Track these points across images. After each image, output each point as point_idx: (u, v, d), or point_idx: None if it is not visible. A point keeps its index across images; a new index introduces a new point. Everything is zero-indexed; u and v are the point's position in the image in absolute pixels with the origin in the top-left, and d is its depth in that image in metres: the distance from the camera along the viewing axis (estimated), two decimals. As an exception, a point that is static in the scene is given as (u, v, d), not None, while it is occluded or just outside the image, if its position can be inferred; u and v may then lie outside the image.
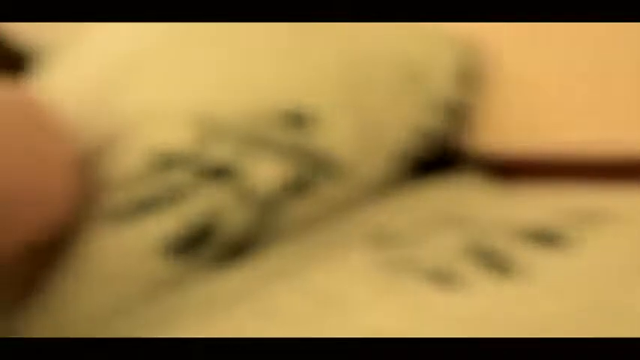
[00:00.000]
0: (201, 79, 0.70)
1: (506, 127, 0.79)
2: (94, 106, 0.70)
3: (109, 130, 0.68)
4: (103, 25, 0.82)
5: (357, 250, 0.61)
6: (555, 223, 0.60)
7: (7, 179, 0.57)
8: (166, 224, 0.62)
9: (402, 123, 0.73)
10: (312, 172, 0.66)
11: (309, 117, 0.67)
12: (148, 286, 0.61)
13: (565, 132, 0.74)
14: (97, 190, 0.65)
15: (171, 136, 0.66)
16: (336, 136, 0.68)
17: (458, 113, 0.77)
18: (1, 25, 0.83)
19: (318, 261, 0.61)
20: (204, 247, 0.62)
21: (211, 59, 0.72)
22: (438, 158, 0.77)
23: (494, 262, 0.57)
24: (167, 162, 0.64)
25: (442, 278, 0.55)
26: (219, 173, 0.64)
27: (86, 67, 0.76)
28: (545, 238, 0.58)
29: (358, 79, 0.72)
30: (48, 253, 0.63)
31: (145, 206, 0.63)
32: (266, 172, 0.64)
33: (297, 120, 0.67)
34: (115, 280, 0.61)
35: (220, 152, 0.65)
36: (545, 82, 0.76)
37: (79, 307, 0.60)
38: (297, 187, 0.65)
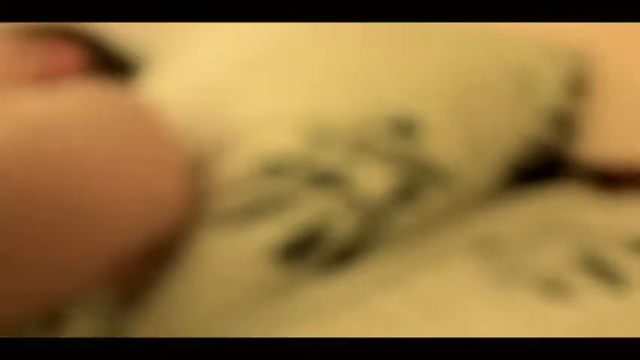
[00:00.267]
0: (309, 84, 0.71)
1: (611, 136, 0.78)
2: (203, 112, 0.72)
3: (218, 135, 0.69)
4: (209, 31, 0.83)
5: (463, 259, 0.61)
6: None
7: (119, 183, 0.59)
8: (275, 230, 0.63)
9: (509, 131, 0.73)
10: (419, 180, 0.66)
11: (417, 124, 0.68)
12: (256, 291, 0.62)
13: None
14: (206, 194, 0.66)
15: (281, 142, 0.66)
16: (443, 144, 0.68)
17: (565, 122, 0.76)
18: (108, 30, 0.85)
19: (425, 269, 0.61)
20: (312, 254, 0.63)
21: (319, 65, 0.72)
22: (543, 166, 0.77)
23: (606, 274, 0.56)
24: (276, 167, 0.65)
25: (553, 289, 0.55)
26: (328, 179, 0.64)
27: (194, 73, 0.77)
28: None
29: (466, 86, 0.72)
30: (158, 255, 0.64)
31: (254, 212, 0.64)
32: (374, 179, 0.65)
33: (405, 127, 0.67)
34: (223, 284, 0.62)
35: (329, 158, 0.65)
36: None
37: (188, 310, 0.62)
38: (404, 195, 0.65)
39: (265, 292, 0.61)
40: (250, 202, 0.64)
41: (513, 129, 0.73)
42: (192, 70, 0.77)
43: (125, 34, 0.89)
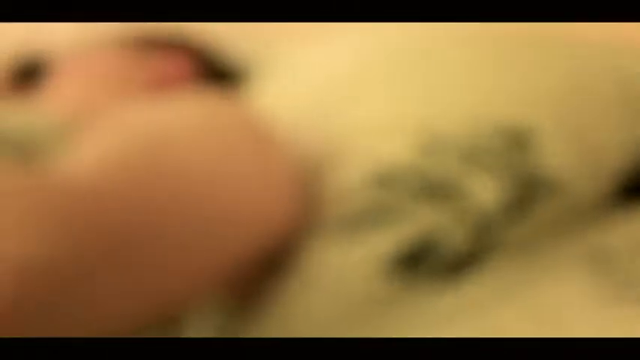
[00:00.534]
0: (419, 93, 0.71)
1: None
2: (312, 121, 0.72)
3: (328, 144, 0.69)
4: (314, 39, 0.84)
5: (577, 272, 0.61)
6: None
7: (233, 193, 0.59)
8: (386, 241, 0.63)
9: (619, 142, 0.72)
10: (530, 191, 0.65)
11: (529, 134, 0.67)
12: (368, 302, 0.62)
13: None
14: (316, 204, 0.66)
15: (392, 152, 0.66)
16: (555, 155, 0.67)
17: None
18: (213, 39, 0.86)
19: (538, 281, 0.60)
20: (423, 266, 0.62)
21: (429, 73, 0.72)
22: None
23: None
24: (387, 178, 0.65)
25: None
26: (439, 190, 0.64)
27: (302, 82, 0.77)
28: None
29: (577, 97, 0.71)
30: (270, 263, 0.65)
31: (365, 223, 0.64)
32: (486, 190, 0.64)
33: (516, 137, 0.67)
34: (335, 295, 0.62)
35: (440, 169, 0.65)
36: None
37: (299, 319, 0.62)
38: (516, 206, 0.65)
39: (377, 305, 0.61)
40: (361, 212, 0.64)
41: (623, 140, 0.72)
42: (300, 78, 0.78)
43: (229, 43, 0.90)
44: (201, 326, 0.61)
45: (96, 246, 0.50)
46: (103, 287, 0.50)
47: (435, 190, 0.64)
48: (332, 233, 0.64)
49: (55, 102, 0.75)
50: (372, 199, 0.64)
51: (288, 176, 0.63)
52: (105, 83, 0.75)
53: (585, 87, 0.72)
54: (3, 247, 0.46)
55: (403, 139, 0.67)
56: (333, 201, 0.65)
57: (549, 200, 0.66)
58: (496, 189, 0.64)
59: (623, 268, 0.60)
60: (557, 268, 0.62)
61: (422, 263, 0.62)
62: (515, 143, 0.66)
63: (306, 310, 0.62)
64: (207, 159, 0.59)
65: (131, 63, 0.77)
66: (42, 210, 0.49)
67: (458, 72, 0.72)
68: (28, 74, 0.81)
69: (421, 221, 0.63)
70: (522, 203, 0.65)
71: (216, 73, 0.81)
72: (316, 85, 0.75)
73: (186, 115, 0.62)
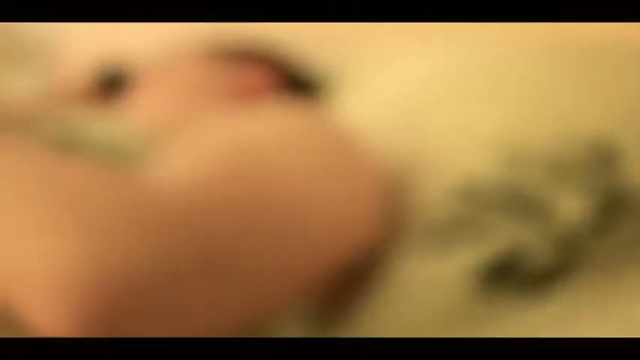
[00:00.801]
0: (503, 105, 0.70)
1: None
2: (397, 132, 0.72)
3: (412, 156, 0.69)
4: (396, 50, 0.84)
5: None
6: None
7: (319, 204, 0.60)
8: (472, 255, 0.63)
9: None
10: (617, 209, 0.65)
11: (616, 150, 0.66)
12: (455, 317, 0.62)
13: None
14: (401, 216, 0.66)
15: (476, 165, 0.66)
16: None
17: None
18: (295, 49, 0.87)
19: (625, 300, 0.60)
20: (508, 280, 0.62)
21: (513, 85, 0.72)
22: None
23: None
24: (472, 191, 0.65)
25: None
26: (525, 204, 0.64)
27: (385, 93, 0.78)
28: None
29: None
30: (356, 273, 0.65)
31: (450, 236, 0.64)
32: (571, 206, 0.64)
33: (604, 153, 0.66)
34: (422, 308, 0.62)
35: (526, 183, 0.65)
36: None
37: (387, 328, 0.62)
38: (602, 224, 0.64)
39: (462, 318, 0.61)
40: (446, 225, 0.64)
41: None
42: (383, 89, 0.78)
43: (311, 53, 0.90)
44: (286, 334, 0.62)
45: (193, 257, 0.51)
46: (199, 296, 0.51)
47: (521, 203, 0.64)
48: (417, 246, 0.64)
49: (139, 112, 0.76)
50: (457, 212, 0.64)
51: (374, 188, 0.64)
52: (189, 94, 0.76)
53: None
54: (110, 258, 0.48)
55: (488, 152, 0.67)
56: (418, 213, 0.66)
57: (635, 217, 0.66)
58: (582, 204, 0.64)
59: None
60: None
61: (507, 277, 0.62)
62: (601, 158, 0.66)
63: (392, 321, 0.62)
64: (297, 171, 0.59)
65: (214, 74, 0.78)
66: (145, 222, 0.50)
67: (541, 84, 0.71)
68: (112, 84, 0.82)
69: (507, 235, 0.63)
70: (608, 219, 0.65)
71: (298, 84, 0.81)
72: (399, 97, 0.75)
73: (274, 126, 0.63)
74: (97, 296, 0.47)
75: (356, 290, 0.65)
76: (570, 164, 0.66)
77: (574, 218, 0.64)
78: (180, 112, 0.74)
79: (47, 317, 0.47)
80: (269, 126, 0.63)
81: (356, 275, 0.65)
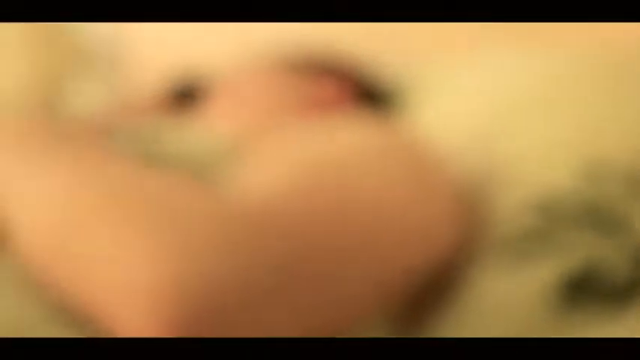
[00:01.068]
0: (580, 120, 0.70)
1: None
2: (472, 144, 0.72)
3: (489, 169, 0.69)
4: (467, 62, 0.84)
5: None
6: None
7: (396, 217, 0.60)
8: (550, 268, 0.62)
9: None
10: None
11: None
12: (530, 329, 0.62)
13: None
14: (478, 230, 0.66)
15: (554, 178, 0.66)
16: None
17: None
18: (367, 61, 0.87)
19: None
20: (586, 294, 0.62)
21: (587, 99, 0.72)
22: None
23: None
24: (550, 204, 0.65)
25: None
26: (603, 218, 0.64)
27: (459, 105, 0.78)
28: None
29: None
30: (431, 287, 0.66)
31: (528, 249, 0.64)
32: None
33: None
34: (498, 319, 0.62)
35: (604, 197, 0.64)
36: None
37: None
38: None
39: (539, 332, 0.61)
40: (524, 239, 0.64)
41: None
42: (457, 101, 0.78)
43: (383, 64, 0.90)
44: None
45: (276, 268, 0.51)
46: (280, 307, 0.52)
47: (599, 218, 0.64)
48: (494, 259, 0.64)
49: (214, 124, 0.77)
50: (535, 226, 0.64)
51: (451, 201, 0.64)
52: (263, 106, 0.77)
53: None
54: (194, 269, 0.48)
55: (566, 165, 0.66)
56: (495, 226, 0.65)
57: None
58: None
59: None
60: None
61: (584, 292, 0.62)
62: None
63: (467, 334, 0.62)
64: (375, 184, 0.60)
65: (289, 85, 0.78)
66: (232, 234, 0.50)
67: (620, 96, 0.71)
68: (186, 95, 0.83)
69: (584, 250, 0.63)
70: None
71: (371, 95, 0.81)
72: (475, 110, 0.75)
73: (351, 140, 0.63)
74: (186, 307, 0.48)
75: (432, 303, 0.65)
76: None
77: None
78: (255, 124, 0.74)
79: (137, 326, 0.48)
80: (346, 139, 0.64)
81: (432, 288, 0.66)
